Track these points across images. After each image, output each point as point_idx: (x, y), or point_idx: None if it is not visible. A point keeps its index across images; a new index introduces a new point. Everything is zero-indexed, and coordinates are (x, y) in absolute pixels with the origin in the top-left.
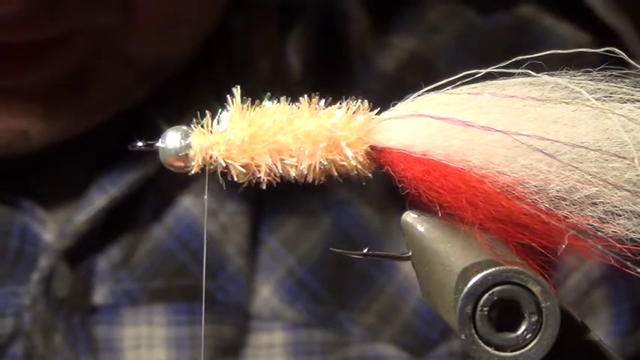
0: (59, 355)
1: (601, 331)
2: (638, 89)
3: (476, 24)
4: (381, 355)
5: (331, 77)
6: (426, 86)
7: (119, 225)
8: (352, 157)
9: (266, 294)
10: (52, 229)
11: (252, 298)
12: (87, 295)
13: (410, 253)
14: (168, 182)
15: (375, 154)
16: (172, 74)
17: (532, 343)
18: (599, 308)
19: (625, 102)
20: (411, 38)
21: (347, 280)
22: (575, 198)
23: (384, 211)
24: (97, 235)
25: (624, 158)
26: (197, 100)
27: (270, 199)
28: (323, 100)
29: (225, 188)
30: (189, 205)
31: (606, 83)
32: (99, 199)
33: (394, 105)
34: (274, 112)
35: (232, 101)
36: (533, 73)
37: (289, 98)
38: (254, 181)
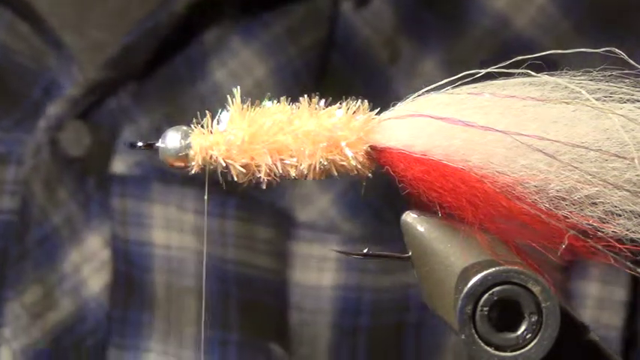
0: (62, 210)
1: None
2: (638, 89)
3: None
4: None
5: (442, 13)
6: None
7: (151, 92)
8: (352, 157)
9: (323, 204)
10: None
11: (303, 205)
12: (106, 160)
13: (410, 253)
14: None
15: (375, 154)
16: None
17: (532, 343)
18: None
19: (625, 102)
20: None
21: None
22: (575, 198)
23: None
24: (113, 87)
25: (624, 158)
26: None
27: None
28: (323, 100)
29: (224, 188)
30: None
31: (606, 83)
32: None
33: (394, 105)
34: (274, 112)
35: (232, 101)
36: (533, 73)
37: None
38: (254, 181)
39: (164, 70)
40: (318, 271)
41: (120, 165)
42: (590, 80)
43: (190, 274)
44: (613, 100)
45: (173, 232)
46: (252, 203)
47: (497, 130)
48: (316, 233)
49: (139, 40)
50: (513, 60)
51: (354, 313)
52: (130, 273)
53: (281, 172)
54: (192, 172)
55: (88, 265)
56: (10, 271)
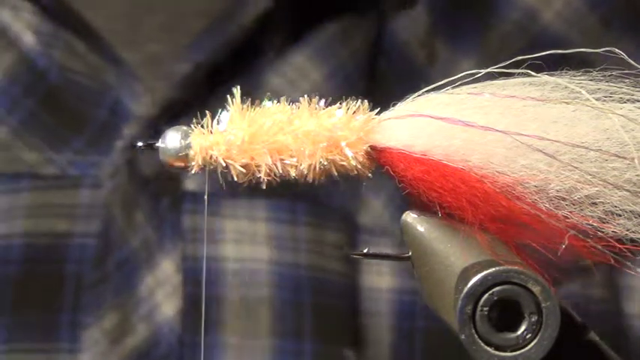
0: (139, 233)
1: None
2: (638, 89)
3: None
4: None
5: (474, 10)
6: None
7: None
8: (352, 157)
9: (377, 208)
10: (144, 102)
11: (362, 208)
12: (178, 180)
13: (410, 253)
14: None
15: (375, 154)
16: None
17: (532, 343)
18: None
19: (625, 102)
20: None
21: None
22: (575, 198)
23: None
24: (186, 106)
25: (624, 158)
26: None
27: None
28: (323, 100)
29: (224, 188)
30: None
31: (606, 83)
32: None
33: (394, 105)
34: (274, 112)
35: (232, 101)
36: (533, 73)
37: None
38: (254, 181)
39: (228, 84)
40: (377, 274)
41: (191, 182)
42: (590, 80)
43: (263, 284)
44: (613, 100)
45: (245, 244)
46: (321, 208)
47: (497, 130)
48: (373, 237)
49: (211, 56)
50: (513, 60)
51: (409, 315)
52: (199, 294)
53: (281, 172)
54: (192, 172)
55: (162, 290)
56: (88, 296)
